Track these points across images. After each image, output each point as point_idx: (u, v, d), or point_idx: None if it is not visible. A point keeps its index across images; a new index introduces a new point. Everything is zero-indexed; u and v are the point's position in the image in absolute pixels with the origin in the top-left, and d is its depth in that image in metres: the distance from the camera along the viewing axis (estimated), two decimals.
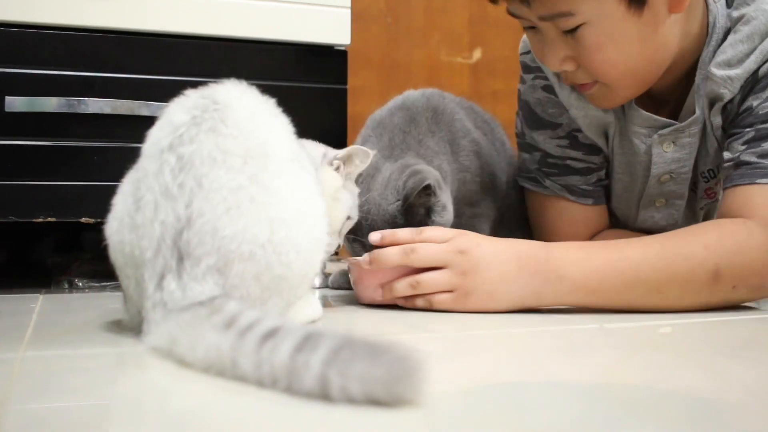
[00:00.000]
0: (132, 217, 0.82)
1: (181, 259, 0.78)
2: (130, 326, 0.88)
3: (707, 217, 1.38)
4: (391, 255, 1.08)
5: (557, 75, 1.26)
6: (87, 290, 1.35)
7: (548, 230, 1.34)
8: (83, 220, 1.32)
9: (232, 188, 0.80)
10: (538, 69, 1.32)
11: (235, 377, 0.68)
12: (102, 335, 0.91)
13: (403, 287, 1.08)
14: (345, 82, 1.51)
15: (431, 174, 1.18)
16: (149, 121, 0.89)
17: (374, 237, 1.09)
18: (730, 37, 1.16)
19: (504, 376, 0.78)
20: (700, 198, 1.35)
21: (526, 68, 1.36)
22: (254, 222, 0.81)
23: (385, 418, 0.59)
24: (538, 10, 1.10)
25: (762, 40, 1.14)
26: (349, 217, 1.10)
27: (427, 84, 1.48)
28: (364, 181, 1.20)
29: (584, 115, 1.28)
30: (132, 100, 1.34)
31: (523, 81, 1.37)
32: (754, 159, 1.13)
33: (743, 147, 1.14)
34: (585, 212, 1.33)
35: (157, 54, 1.39)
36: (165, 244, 0.79)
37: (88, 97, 1.33)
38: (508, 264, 1.06)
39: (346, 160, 1.09)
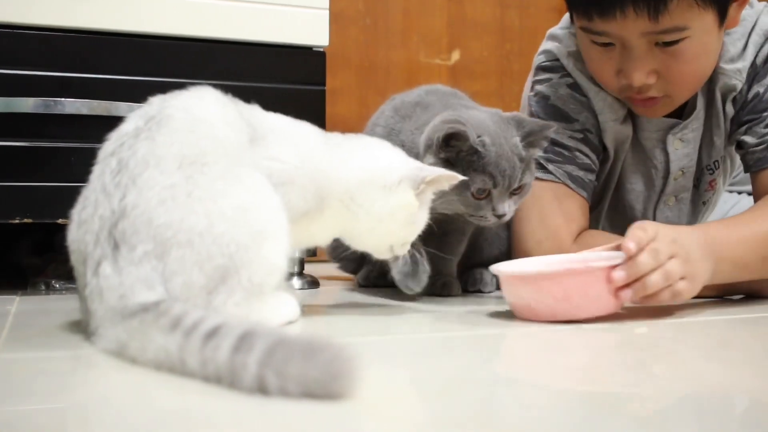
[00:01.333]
0: (79, 215, 0.86)
1: (116, 246, 0.81)
2: (83, 326, 0.88)
3: (708, 210, 1.52)
4: (646, 263, 1.05)
5: (593, 82, 1.33)
6: (63, 292, 1.34)
7: (534, 223, 1.34)
8: (60, 221, 1.30)
9: (165, 186, 0.83)
10: (563, 68, 1.38)
11: (184, 375, 0.69)
12: (75, 337, 0.90)
13: (658, 279, 1.05)
14: (323, 84, 1.51)
15: None
16: None
17: (631, 246, 1.04)
18: (727, 38, 1.30)
19: (479, 376, 0.78)
20: (704, 191, 1.47)
21: (553, 69, 1.40)
22: (190, 213, 0.82)
23: (384, 426, 0.59)
24: (662, 23, 1.16)
25: (750, 36, 1.31)
26: None
27: (406, 86, 1.48)
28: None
29: (612, 124, 1.37)
30: (109, 101, 1.34)
31: (543, 81, 1.41)
32: None
33: (767, 130, 1.29)
34: (576, 206, 1.35)
35: (134, 55, 1.39)
36: (102, 235, 0.82)
37: (65, 98, 1.32)
38: (697, 249, 1.11)
39: (434, 183, 1.05)
